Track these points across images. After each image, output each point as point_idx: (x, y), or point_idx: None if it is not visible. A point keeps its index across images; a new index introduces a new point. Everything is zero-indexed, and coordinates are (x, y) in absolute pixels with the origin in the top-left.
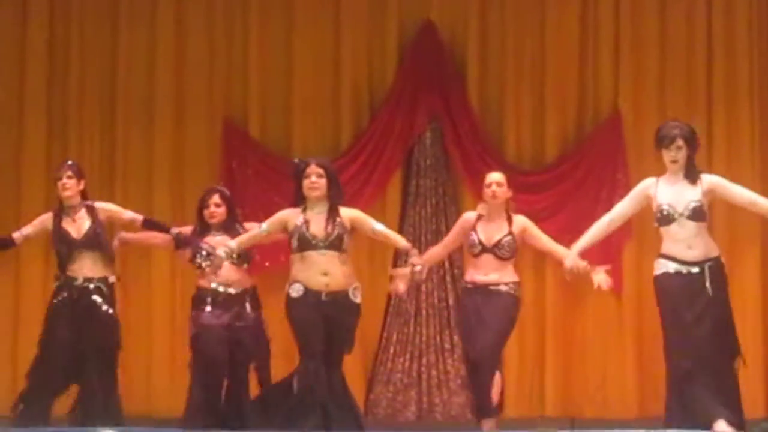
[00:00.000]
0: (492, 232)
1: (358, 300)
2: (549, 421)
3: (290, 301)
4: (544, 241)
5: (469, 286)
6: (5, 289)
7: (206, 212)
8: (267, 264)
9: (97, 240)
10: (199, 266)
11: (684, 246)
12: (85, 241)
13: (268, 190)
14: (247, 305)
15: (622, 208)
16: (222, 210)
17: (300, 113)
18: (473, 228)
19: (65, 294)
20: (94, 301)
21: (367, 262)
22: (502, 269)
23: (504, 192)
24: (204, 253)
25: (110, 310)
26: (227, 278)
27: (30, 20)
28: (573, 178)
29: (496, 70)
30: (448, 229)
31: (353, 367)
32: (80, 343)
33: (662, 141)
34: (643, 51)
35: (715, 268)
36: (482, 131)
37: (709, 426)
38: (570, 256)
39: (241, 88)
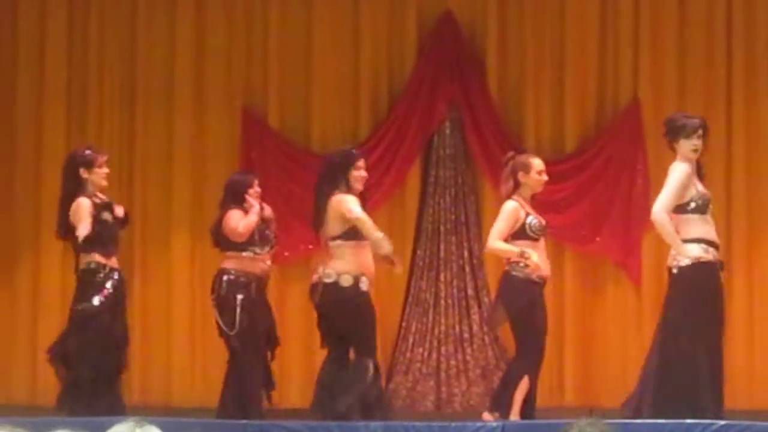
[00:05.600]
0: (540, 215)
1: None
2: (568, 411)
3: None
4: None
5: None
6: (24, 279)
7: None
8: (286, 254)
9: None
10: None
11: (714, 233)
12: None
13: (287, 180)
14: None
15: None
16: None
17: (319, 103)
18: (529, 213)
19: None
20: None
21: None
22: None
23: None
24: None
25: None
26: None
27: (49, 8)
28: (592, 167)
29: (516, 60)
30: (467, 220)
31: None
32: None
33: (683, 129)
34: (663, 39)
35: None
36: (502, 121)
37: None
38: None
39: (260, 77)
